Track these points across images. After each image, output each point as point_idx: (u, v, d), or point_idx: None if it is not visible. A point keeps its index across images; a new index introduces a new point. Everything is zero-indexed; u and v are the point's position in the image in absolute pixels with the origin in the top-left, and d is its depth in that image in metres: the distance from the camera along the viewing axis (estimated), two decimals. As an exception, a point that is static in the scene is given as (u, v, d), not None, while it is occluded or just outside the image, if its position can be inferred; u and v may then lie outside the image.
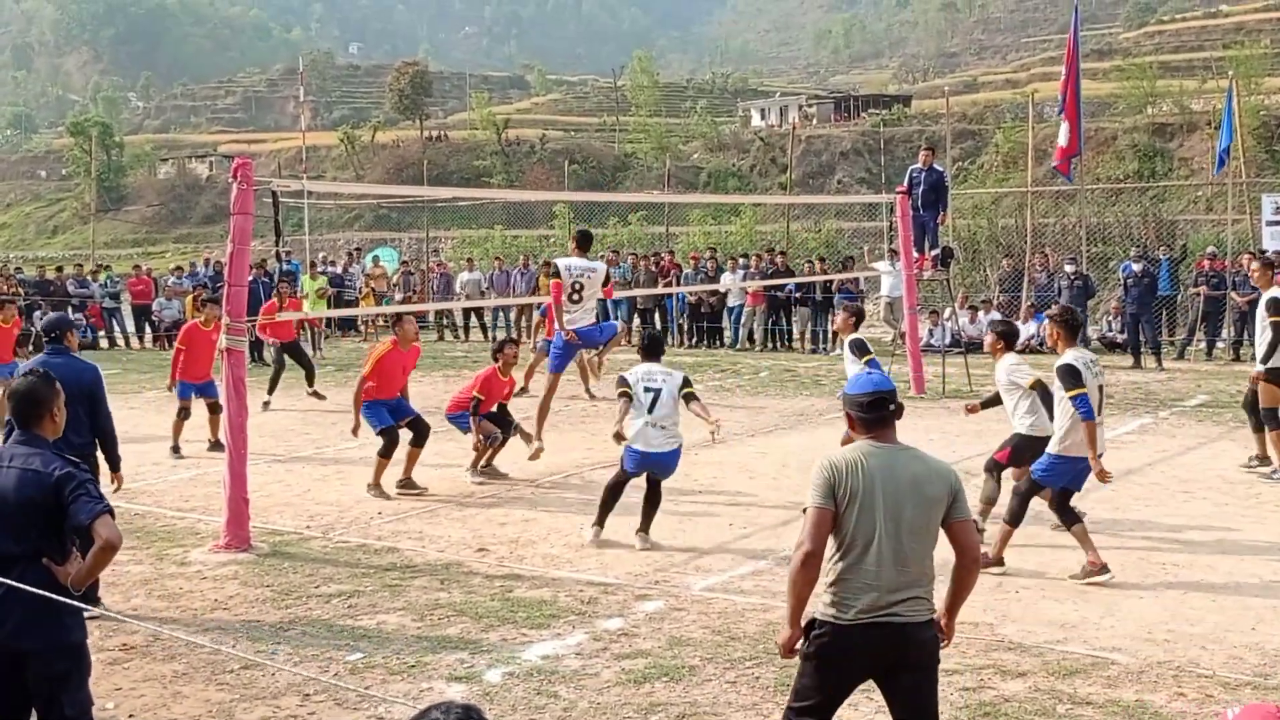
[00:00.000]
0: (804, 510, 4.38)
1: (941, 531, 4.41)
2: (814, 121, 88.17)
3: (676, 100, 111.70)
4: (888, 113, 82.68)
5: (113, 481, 7.51)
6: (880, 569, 4.26)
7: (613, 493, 9.10)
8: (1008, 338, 9.34)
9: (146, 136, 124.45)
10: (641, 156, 79.40)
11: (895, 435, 4.45)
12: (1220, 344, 20.91)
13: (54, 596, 4.40)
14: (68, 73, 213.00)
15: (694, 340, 24.41)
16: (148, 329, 26.81)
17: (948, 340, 19.43)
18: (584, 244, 12.15)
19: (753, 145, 76.76)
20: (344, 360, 22.67)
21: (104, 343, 26.25)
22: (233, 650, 6.71)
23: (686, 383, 9.15)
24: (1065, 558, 8.34)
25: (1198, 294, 20.74)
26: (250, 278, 12.82)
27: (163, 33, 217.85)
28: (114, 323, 27.08)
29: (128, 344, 26.77)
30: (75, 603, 4.49)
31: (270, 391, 16.27)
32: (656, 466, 9.01)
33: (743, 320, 23.98)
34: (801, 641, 4.44)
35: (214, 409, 12.76)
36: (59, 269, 28.55)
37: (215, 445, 12.67)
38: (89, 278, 27.29)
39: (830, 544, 4.34)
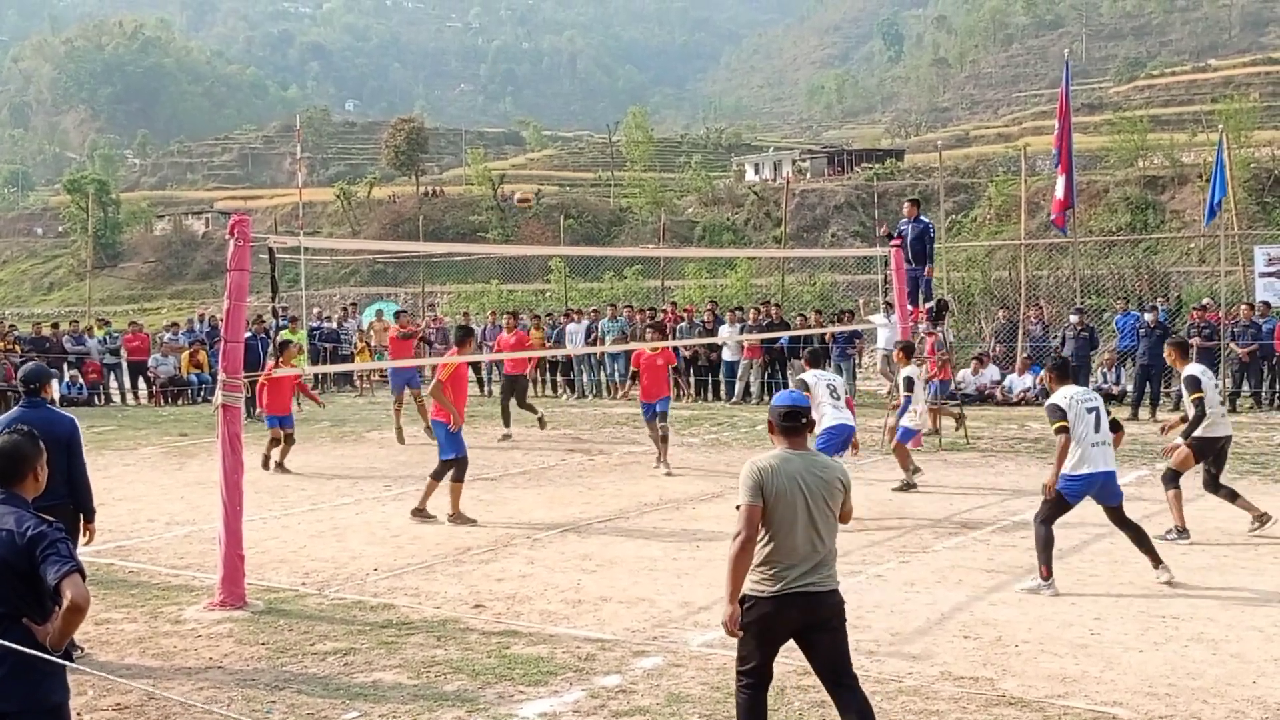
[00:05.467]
0: (737, 507, 5.31)
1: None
2: (807, 176, 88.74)
3: (671, 155, 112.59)
4: (880, 167, 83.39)
5: (84, 532, 7.56)
6: (799, 550, 5.27)
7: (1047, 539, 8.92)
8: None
9: (143, 193, 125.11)
10: (636, 211, 79.92)
11: (806, 443, 5.49)
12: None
13: (34, 653, 4.35)
14: (65, 131, 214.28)
15: (691, 393, 24.36)
16: (142, 385, 26.81)
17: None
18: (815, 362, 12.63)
19: (747, 199, 77.25)
20: (339, 415, 22.65)
21: (99, 399, 26.19)
22: (227, 711, 6.64)
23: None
24: (1064, 611, 8.31)
25: (1191, 346, 20.78)
26: (248, 334, 12.86)
27: (160, 91, 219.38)
28: (112, 378, 27.08)
29: (124, 400, 26.76)
30: (56, 659, 4.43)
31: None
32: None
33: (739, 374, 23.98)
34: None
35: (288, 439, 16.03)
36: (54, 325, 28.55)
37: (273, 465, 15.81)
38: (86, 334, 27.29)
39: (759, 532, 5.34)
